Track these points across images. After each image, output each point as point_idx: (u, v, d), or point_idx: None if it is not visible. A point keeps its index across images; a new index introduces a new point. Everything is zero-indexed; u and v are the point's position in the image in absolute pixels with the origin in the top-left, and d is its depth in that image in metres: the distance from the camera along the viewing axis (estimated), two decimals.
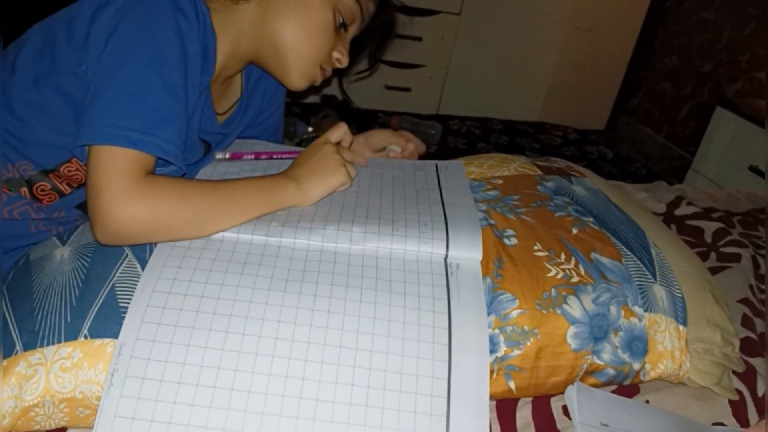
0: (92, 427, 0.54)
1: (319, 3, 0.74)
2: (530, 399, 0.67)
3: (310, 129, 0.97)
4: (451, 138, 2.59)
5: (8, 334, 0.59)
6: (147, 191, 0.60)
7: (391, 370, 0.58)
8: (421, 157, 0.94)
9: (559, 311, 0.65)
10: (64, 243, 0.68)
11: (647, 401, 0.69)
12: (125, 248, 0.64)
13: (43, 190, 0.71)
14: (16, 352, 0.57)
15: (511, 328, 0.64)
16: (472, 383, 0.59)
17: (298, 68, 0.77)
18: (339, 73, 0.88)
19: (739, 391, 0.72)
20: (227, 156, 0.81)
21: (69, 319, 0.58)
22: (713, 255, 0.98)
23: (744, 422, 0.69)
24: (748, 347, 0.78)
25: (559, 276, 0.68)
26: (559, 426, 0.65)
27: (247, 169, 0.79)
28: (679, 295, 0.72)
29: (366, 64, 0.90)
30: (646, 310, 0.69)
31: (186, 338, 0.57)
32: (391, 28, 0.85)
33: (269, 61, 0.77)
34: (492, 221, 0.73)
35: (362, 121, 2.49)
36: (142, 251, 0.64)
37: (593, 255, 0.71)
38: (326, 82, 0.84)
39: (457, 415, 0.57)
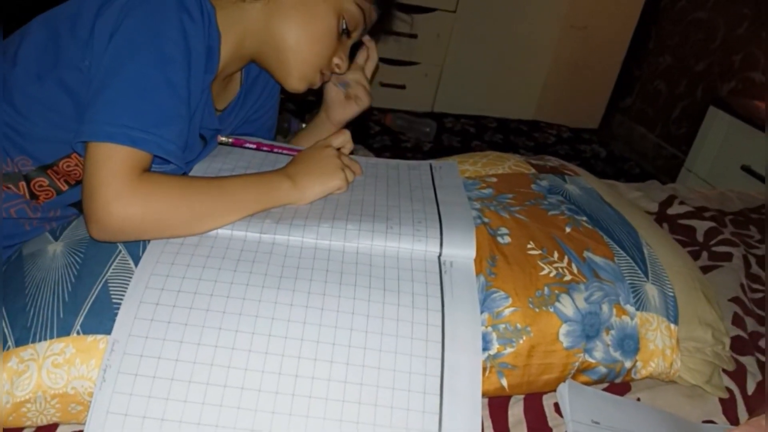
0: (84, 424, 0.53)
1: (324, 9, 0.74)
2: (522, 396, 0.68)
3: (304, 125, 0.97)
4: (445, 136, 2.59)
5: (0, 330, 0.58)
6: (143, 189, 0.59)
7: (384, 367, 0.58)
8: (416, 155, 0.94)
9: (551, 309, 0.66)
10: (57, 238, 0.68)
11: (638, 399, 0.70)
12: (118, 244, 0.64)
13: (40, 186, 0.71)
14: (8, 348, 0.57)
15: (503, 326, 0.64)
16: (465, 381, 0.59)
17: (298, 71, 0.77)
18: None
19: (729, 390, 0.73)
20: (230, 141, 0.80)
21: (62, 315, 0.58)
22: (705, 254, 0.99)
23: (734, 420, 0.70)
24: (738, 346, 0.79)
25: (552, 274, 0.68)
26: (550, 423, 0.65)
27: (242, 165, 0.79)
28: (671, 294, 0.72)
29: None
30: (638, 309, 0.69)
31: (179, 335, 0.57)
32: (387, 32, 0.86)
33: (270, 62, 0.77)
34: (486, 219, 0.73)
35: (356, 118, 2.49)
36: (136, 247, 0.64)
37: (586, 254, 0.71)
38: None
39: (450, 413, 0.57)
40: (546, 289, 0.67)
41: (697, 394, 0.71)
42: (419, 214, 0.72)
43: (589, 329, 0.66)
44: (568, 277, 0.68)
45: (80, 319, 0.58)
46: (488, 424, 0.64)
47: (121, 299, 0.59)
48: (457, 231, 0.69)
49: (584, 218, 0.77)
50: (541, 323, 0.65)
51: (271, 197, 0.70)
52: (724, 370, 0.74)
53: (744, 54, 2.29)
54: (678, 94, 2.60)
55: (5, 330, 0.58)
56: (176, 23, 0.63)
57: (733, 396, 0.72)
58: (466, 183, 0.82)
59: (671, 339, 0.70)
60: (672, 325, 0.70)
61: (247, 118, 0.89)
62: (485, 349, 0.63)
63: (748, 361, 0.78)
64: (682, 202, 1.14)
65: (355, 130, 0.83)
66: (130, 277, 0.61)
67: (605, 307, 0.67)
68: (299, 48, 0.75)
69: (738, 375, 0.75)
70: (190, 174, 0.76)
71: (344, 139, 0.81)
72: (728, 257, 0.97)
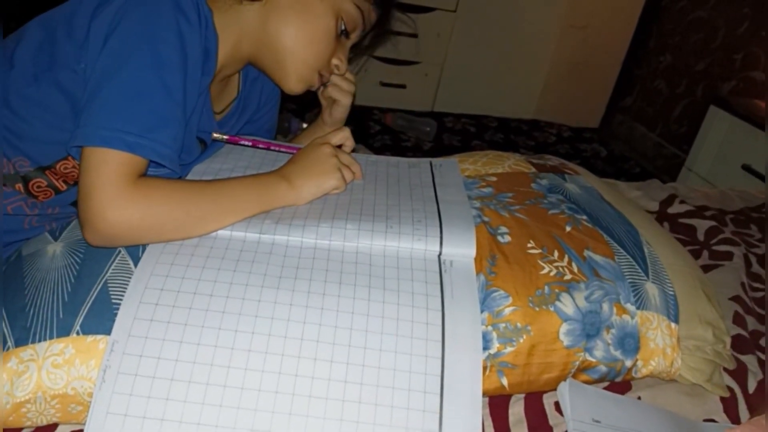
0: (84, 424, 0.53)
1: (322, 9, 0.74)
2: (523, 395, 0.68)
3: (305, 125, 0.97)
4: (446, 135, 2.59)
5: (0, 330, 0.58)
6: (138, 194, 0.59)
7: (384, 366, 0.58)
8: (416, 155, 0.94)
9: (551, 308, 0.65)
10: (56, 238, 0.68)
11: (639, 398, 0.70)
12: None
13: (38, 187, 0.70)
14: (8, 348, 0.57)
15: (504, 325, 0.64)
16: (465, 380, 0.59)
17: (296, 73, 0.77)
18: None
19: (730, 388, 0.72)
20: (225, 138, 0.80)
21: (61, 315, 0.58)
22: (706, 253, 0.99)
23: (735, 419, 0.70)
24: (739, 344, 0.79)
25: (552, 273, 0.68)
26: (551, 422, 0.65)
27: (242, 165, 0.79)
28: (672, 293, 0.72)
29: (359, 63, 0.90)
30: (638, 308, 0.69)
31: (178, 335, 0.57)
32: (387, 32, 0.85)
33: (268, 63, 0.77)
34: (486, 218, 0.73)
35: (357, 118, 2.49)
36: (135, 248, 0.63)
37: (586, 253, 0.71)
38: None
39: (450, 412, 0.57)
40: (546, 288, 0.67)
41: (697, 393, 0.71)
42: (419, 213, 0.72)
43: (590, 328, 0.66)
44: (568, 276, 0.68)
45: (80, 320, 0.58)
46: (489, 423, 0.64)
47: (121, 299, 0.59)
48: (457, 230, 0.69)
49: (584, 217, 0.77)
50: (542, 322, 0.65)
51: (268, 200, 0.69)
52: (724, 369, 0.74)
53: (744, 53, 2.29)
54: (678, 93, 2.60)
55: (5, 330, 0.58)
56: (172, 25, 0.62)
57: (734, 395, 0.72)
58: (466, 182, 0.81)
59: (672, 338, 0.70)
60: (672, 324, 0.70)
61: (248, 120, 0.89)
62: (485, 348, 0.63)
63: (749, 360, 0.77)
64: (682, 201, 1.14)
65: (355, 129, 0.82)
66: (130, 278, 0.60)
67: (605, 306, 0.67)
68: (296, 49, 0.75)
69: (739, 374, 0.75)
70: (190, 174, 0.76)
71: (343, 136, 0.80)
72: (729, 256, 0.97)
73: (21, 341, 0.57)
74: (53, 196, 0.72)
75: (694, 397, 0.71)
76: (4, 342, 0.57)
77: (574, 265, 0.69)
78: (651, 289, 0.71)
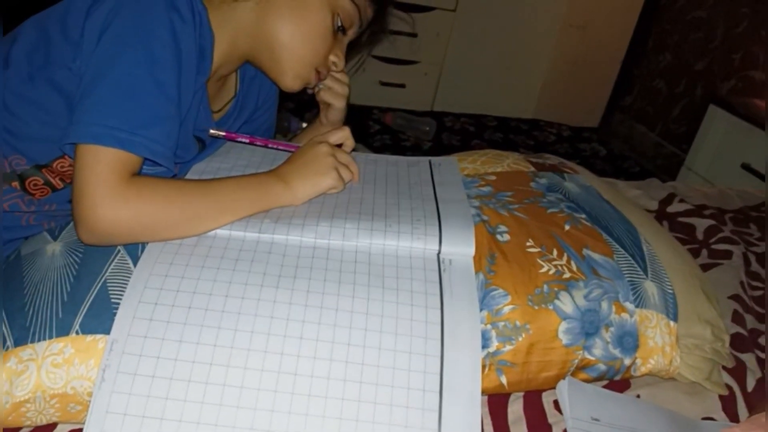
0: (84, 423, 0.53)
1: (318, 6, 0.73)
2: (522, 394, 0.68)
3: (304, 125, 0.97)
4: (445, 134, 2.59)
5: None
6: (132, 192, 0.59)
7: (383, 365, 0.58)
8: (415, 154, 0.94)
9: (550, 307, 0.66)
10: (55, 238, 0.68)
11: (638, 396, 0.70)
12: None
13: (35, 185, 0.70)
14: (7, 348, 0.57)
15: (503, 323, 0.64)
16: (465, 378, 0.59)
17: (293, 70, 0.76)
18: None
19: (728, 387, 0.72)
20: (222, 134, 0.80)
21: (60, 315, 0.58)
22: (705, 252, 0.99)
23: (734, 417, 0.70)
24: (738, 343, 0.79)
25: (551, 272, 0.68)
26: (550, 420, 0.65)
27: (242, 164, 0.79)
28: (670, 292, 0.72)
29: (357, 61, 0.90)
30: (637, 306, 0.69)
31: (178, 334, 0.57)
32: (384, 30, 0.85)
33: (264, 61, 0.77)
34: (485, 217, 0.73)
35: (356, 117, 2.49)
36: (134, 247, 0.63)
37: (585, 251, 0.71)
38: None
39: (450, 410, 0.57)
40: (545, 286, 0.67)
41: (696, 391, 0.71)
42: (418, 211, 0.72)
43: (589, 326, 0.66)
44: (567, 275, 0.68)
45: (79, 319, 0.58)
46: (487, 421, 0.64)
47: (120, 299, 0.59)
48: (456, 229, 0.69)
49: (583, 216, 0.77)
50: (541, 321, 0.65)
51: (264, 200, 0.69)
52: (723, 367, 0.74)
53: (743, 52, 2.29)
54: (678, 92, 2.60)
55: (4, 330, 0.58)
56: (166, 23, 0.62)
57: (733, 393, 0.72)
58: (465, 181, 0.82)
59: (671, 336, 0.70)
60: (671, 323, 0.70)
61: (247, 119, 0.89)
62: (484, 346, 0.63)
63: (748, 358, 0.78)
64: (682, 200, 1.14)
65: (354, 128, 0.82)
66: (129, 277, 0.61)
67: (604, 305, 0.67)
68: (293, 46, 0.74)
69: (738, 372, 0.75)
70: (189, 172, 0.76)
71: (343, 135, 0.79)
72: (728, 255, 0.97)
73: (20, 341, 0.57)
74: (50, 193, 0.72)
75: (693, 396, 0.71)
76: (4, 341, 0.58)
77: (573, 263, 0.69)
78: (650, 287, 0.71)
